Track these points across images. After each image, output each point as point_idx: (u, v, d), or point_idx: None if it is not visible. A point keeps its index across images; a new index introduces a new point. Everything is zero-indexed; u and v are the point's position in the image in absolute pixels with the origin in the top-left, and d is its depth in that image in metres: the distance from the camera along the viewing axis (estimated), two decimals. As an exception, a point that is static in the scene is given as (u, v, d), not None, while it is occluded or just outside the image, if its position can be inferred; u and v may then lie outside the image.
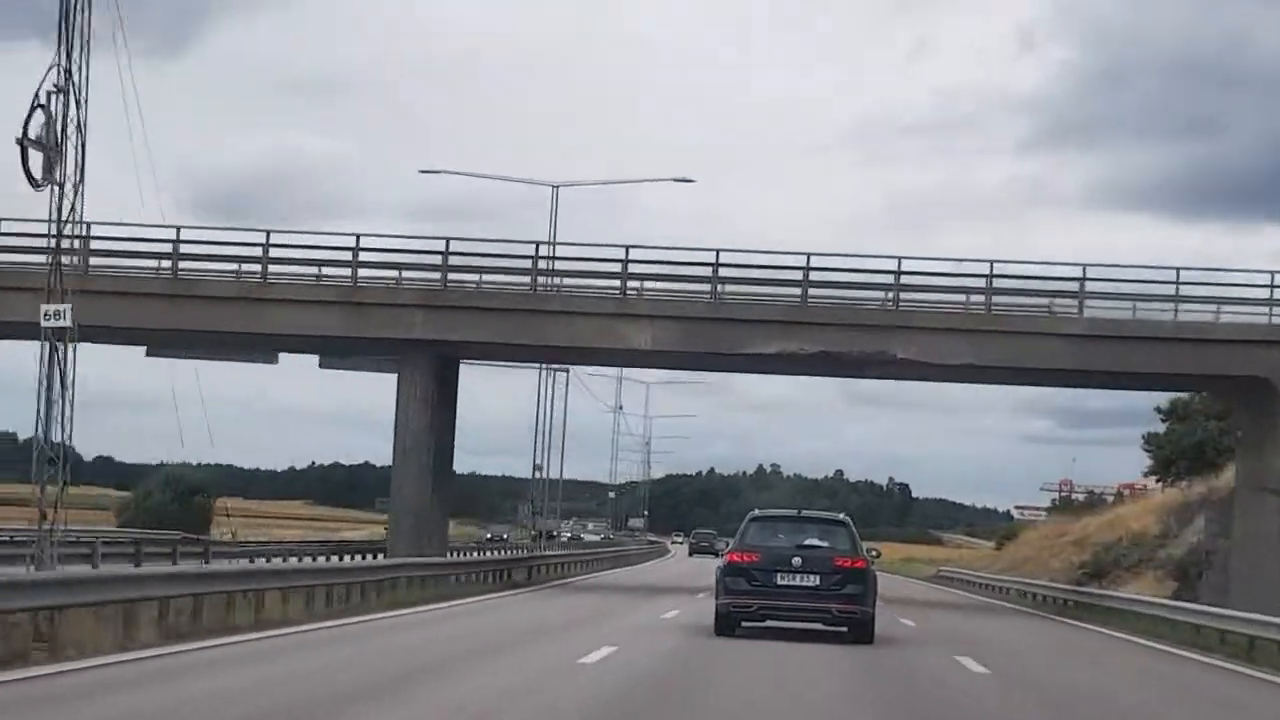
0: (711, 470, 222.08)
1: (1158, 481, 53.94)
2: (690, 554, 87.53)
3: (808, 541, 18.63)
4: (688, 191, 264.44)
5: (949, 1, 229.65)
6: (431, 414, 31.39)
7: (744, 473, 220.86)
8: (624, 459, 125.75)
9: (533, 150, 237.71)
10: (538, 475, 61.17)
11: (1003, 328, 30.48)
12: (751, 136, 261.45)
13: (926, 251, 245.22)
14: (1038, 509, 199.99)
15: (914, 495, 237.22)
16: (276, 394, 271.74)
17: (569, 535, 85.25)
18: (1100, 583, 41.44)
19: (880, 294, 31.07)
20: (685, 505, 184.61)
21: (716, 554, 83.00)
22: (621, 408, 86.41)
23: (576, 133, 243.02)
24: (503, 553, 47.10)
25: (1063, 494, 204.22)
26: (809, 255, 30.95)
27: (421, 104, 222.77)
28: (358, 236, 31.75)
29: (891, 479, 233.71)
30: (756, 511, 19.97)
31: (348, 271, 31.34)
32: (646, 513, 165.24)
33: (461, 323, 31.17)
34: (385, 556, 29.37)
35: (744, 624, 18.66)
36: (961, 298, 31.38)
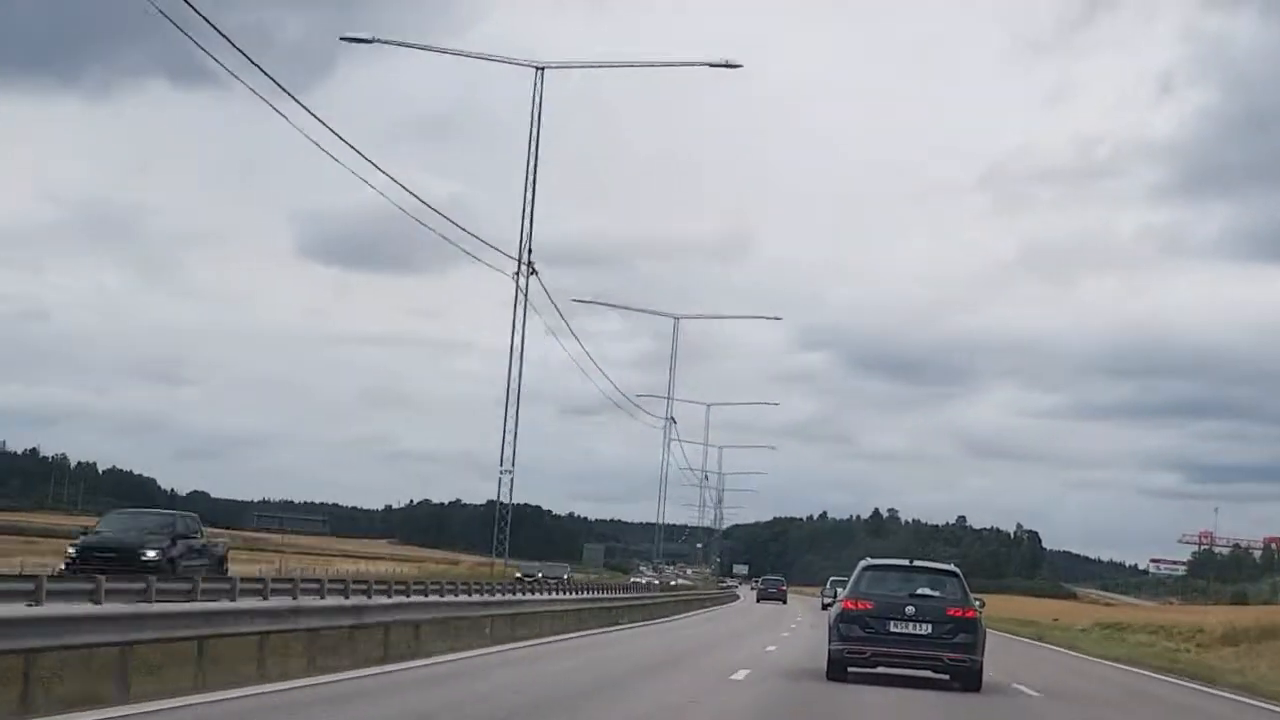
0: (824, 514, 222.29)
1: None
2: (758, 600, 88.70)
3: (920, 591, 20.37)
4: (812, 236, 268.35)
5: (1088, 45, 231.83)
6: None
7: (858, 517, 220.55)
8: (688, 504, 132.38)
9: (648, 193, 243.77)
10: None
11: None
12: (881, 181, 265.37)
13: (1060, 301, 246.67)
14: (1176, 563, 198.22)
15: (1043, 545, 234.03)
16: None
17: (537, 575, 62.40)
18: None
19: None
20: (794, 551, 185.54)
21: (785, 601, 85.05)
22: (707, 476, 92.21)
23: (692, 173, 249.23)
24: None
25: (1203, 546, 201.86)
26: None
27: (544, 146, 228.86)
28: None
29: (1020, 526, 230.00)
30: (869, 560, 21.62)
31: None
32: (744, 561, 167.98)
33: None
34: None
35: (850, 669, 20.47)
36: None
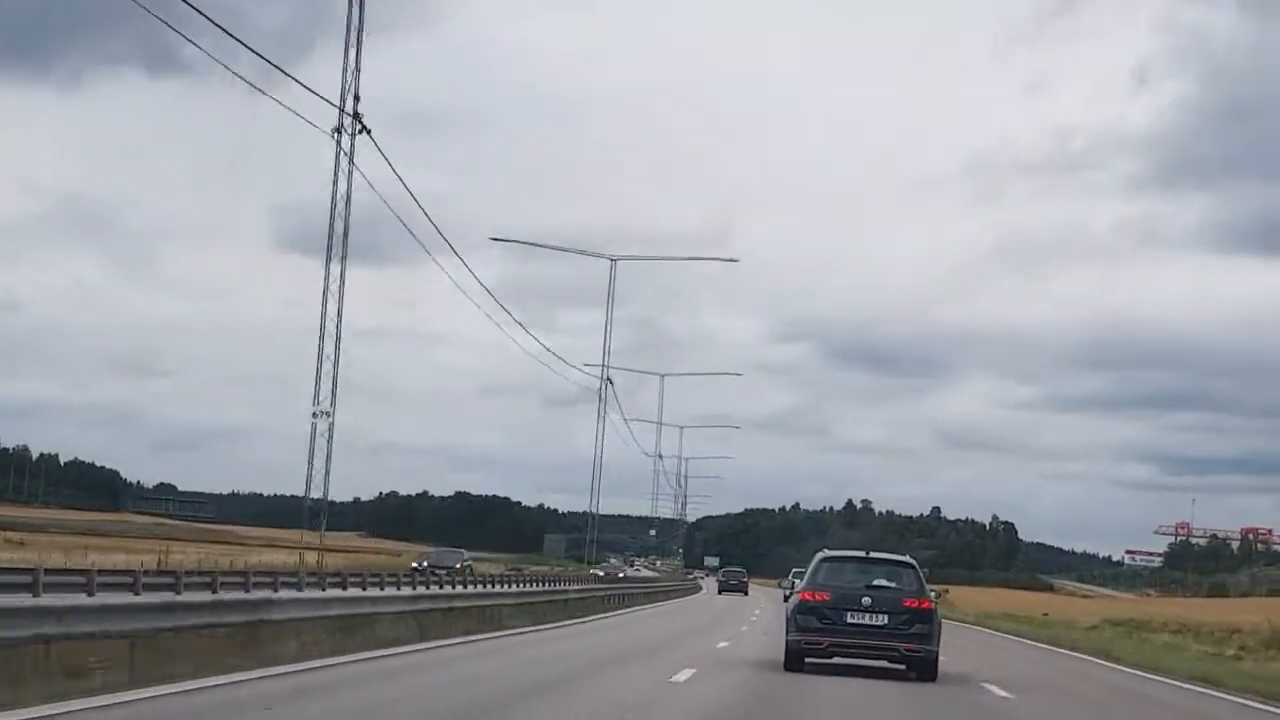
0: (796, 505, 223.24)
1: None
2: (720, 592, 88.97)
3: (876, 582, 20.85)
4: (793, 229, 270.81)
5: (1067, 36, 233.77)
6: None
7: (831, 508, 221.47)
8: (663, 498, 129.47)
9: (630, 184, 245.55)
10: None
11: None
12: (862, 174, 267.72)
13: (1037, 293, 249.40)
14: (1151, 554, 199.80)
15: (1019, 536, 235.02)
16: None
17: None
18: None
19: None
20: (766, 542, 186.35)
21: (746, 593, 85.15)
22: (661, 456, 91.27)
23: (680, 167, 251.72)
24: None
25: (1180, 538, 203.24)
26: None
27: (532, 140, 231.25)
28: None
29: (996, 517, 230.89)
30: (827, 551, 22.09)
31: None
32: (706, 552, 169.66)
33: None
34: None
35: (808, 660, 21.02)
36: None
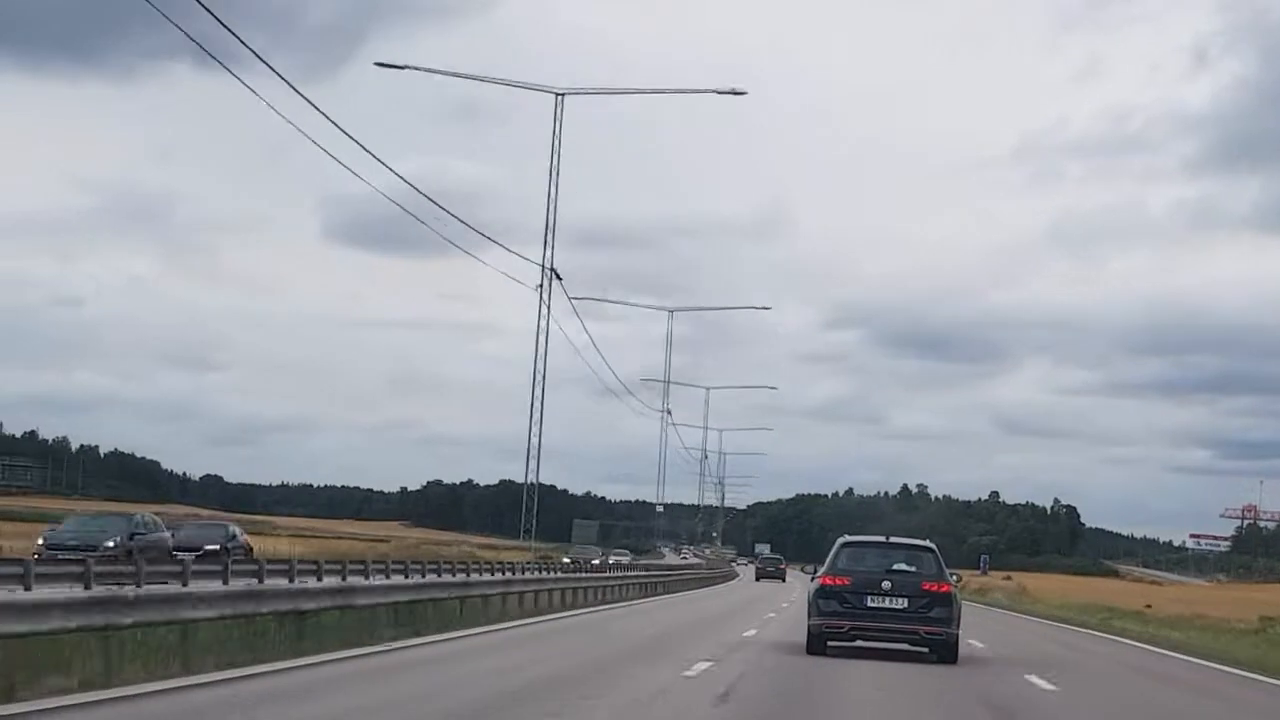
0: (849, 491, 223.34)
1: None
2: (757, 579, 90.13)
3: (896, 566, 21.73)
4: (847, 210, 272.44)
5: (1123, 16, 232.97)
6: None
7: (886, 493, 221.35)
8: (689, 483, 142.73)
9: (679, 173, 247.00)
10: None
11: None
12: (915, 157, 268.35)
13: (1092, 277, 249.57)
14: (1216, 538, 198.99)
15: (1081, 520, 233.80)
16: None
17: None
18: None
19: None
20: (818, 529, 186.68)
21: (784, 580, 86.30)
22: (670, 412, 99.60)
23: (729, 154, 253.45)
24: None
25: (1247, 521, 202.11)
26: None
27: (582, 126, 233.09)
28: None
29: (1057, 500, 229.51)
30: (847, 537, 22.95)
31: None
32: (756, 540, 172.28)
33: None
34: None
35: (830, 644, 21.93)
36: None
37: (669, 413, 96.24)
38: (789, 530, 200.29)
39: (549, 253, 53.18)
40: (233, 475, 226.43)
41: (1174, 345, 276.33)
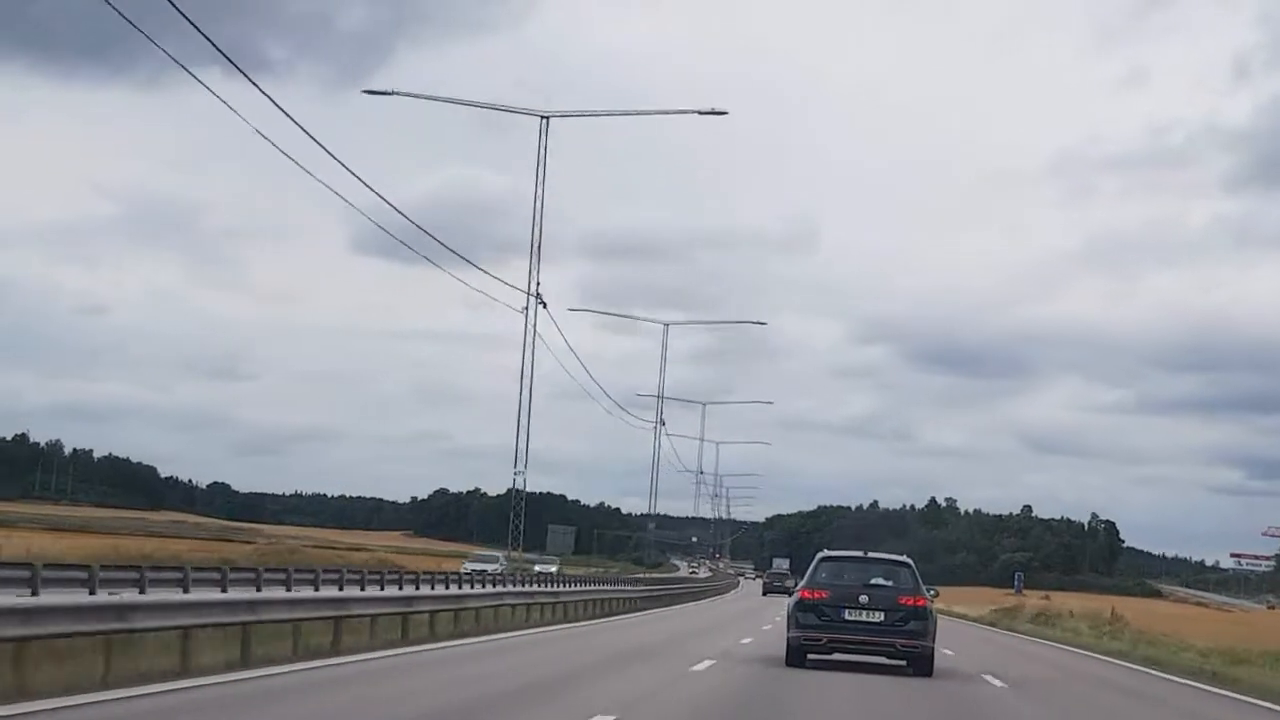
0: (874, 504, 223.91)
1: None
2: (764, 594, 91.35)
3: (873, 580, 23.00)
4: (876, 228, 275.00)
5: (1162, 29, 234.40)
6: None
7: (912, 506, 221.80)
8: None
9: (707, 185, 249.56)
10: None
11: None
12: (946, 171, 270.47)
13: (1125, 294, 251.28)
14: (1258, 557, 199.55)
15: (1120, 537, 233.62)
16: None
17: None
18: None
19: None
20: (839, 542, 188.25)
21: (791, 593, 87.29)
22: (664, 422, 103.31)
23: (758, 166, 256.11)
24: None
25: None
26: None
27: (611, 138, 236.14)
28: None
29: (1095, 516, 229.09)
30: (826, 551, 24.40)
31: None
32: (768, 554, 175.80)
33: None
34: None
35: (810, 656, 23.23)
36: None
37: (663, 423, 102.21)
38: (808, 543, 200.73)
39: (534, 277, 56.23)
40: (246, 485, 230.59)
41: (1207, 363, 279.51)
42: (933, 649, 23.05)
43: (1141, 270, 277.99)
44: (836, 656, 23.48)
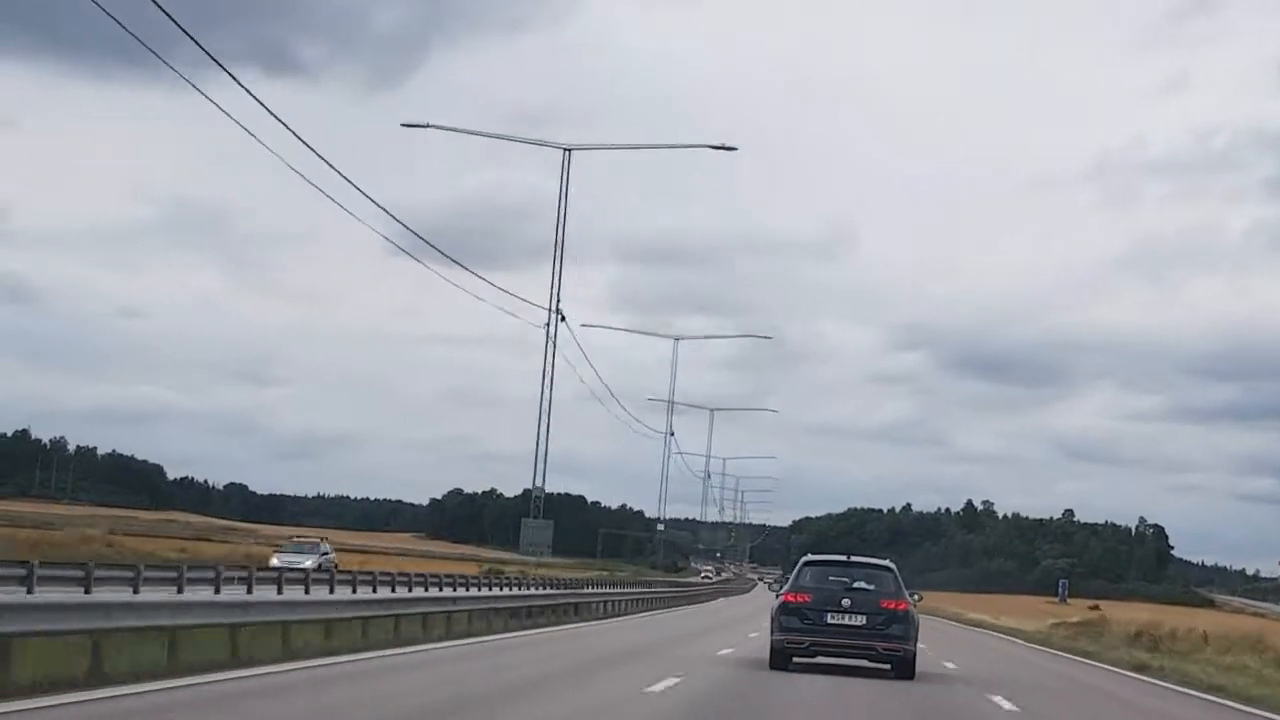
0: (907, 507, 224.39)
1: None
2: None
3: (856, 584, 23.85)
4: (913, 233, 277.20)
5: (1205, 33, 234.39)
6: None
7: (948, 510, 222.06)
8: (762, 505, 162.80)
9: (747, 188, 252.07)
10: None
11: None
12: (986, 175, 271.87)
13: (1165, 300, 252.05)
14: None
15: (1170, 544, 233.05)
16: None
17: None
18: None
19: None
20: (870, 546, 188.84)
21: None
22: (673, 434, 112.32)
23: (795, 171, 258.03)
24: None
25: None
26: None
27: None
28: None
29: (1143, 520, 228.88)
30: (810, 556, 25.30)
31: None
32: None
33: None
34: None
35: (795, 659, 24.22)
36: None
37: (673, 433, 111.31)
38: (836, 547, 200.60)
39: (555, 295, 61.95)
40: (274, 487, 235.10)
41: (1245, 370, 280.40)
42: (914, 652, 24.00)
43: (1181, 276, 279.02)
44: (820, 659, 24.54)
